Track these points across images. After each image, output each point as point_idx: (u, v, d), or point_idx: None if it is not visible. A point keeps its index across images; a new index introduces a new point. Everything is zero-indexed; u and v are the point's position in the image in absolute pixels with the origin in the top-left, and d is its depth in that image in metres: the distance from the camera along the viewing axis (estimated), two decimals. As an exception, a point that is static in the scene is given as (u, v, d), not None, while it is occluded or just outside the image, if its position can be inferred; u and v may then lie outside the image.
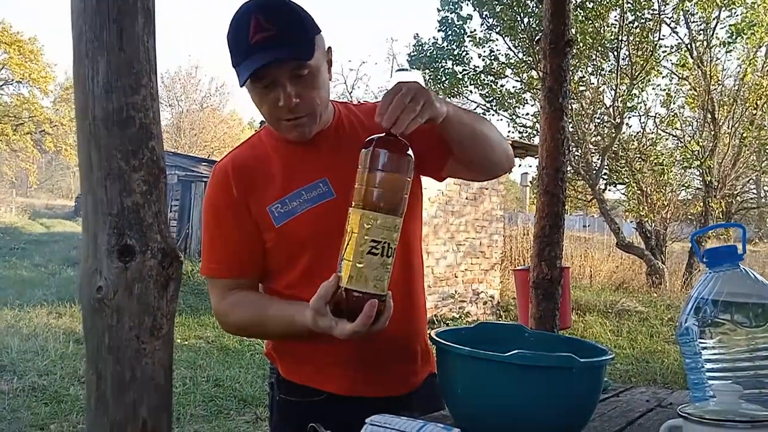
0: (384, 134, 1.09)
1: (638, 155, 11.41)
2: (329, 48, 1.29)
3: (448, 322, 7.49)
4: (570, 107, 11.75)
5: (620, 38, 10.75)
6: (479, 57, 13.49)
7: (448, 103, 1.20)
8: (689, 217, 11.73)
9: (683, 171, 11.64)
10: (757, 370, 1.00)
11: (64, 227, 20.53)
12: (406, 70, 12.56)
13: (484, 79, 13.45)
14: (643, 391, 1.67)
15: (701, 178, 11.06)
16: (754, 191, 16.69)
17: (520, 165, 20.13)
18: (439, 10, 13.76)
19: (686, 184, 11.88)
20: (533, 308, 2.14)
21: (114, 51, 0.87)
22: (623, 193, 12.49)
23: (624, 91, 10.74)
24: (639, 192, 11.00)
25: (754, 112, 10.88)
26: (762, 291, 1.04)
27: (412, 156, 1.07)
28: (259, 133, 1.37)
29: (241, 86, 1.20)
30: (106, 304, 0.87)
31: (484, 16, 13.16)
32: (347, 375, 1.27)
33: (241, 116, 35.53)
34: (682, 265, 11.14)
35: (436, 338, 1.15)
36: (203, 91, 30.76)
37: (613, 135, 10.88)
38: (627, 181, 11.38)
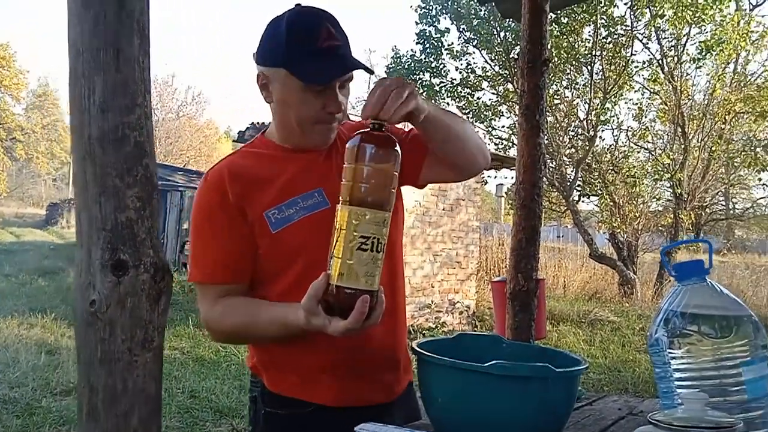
0: (370, 128, 1.09)
1: (611, 167, 11.62)
2: None
3: (424, 332, 7.53)
4: (546, 121, 11.95)
5: (594, 53, 10.98)
6: (456, 70, 13.67)
7: (428, 100, 1.24)
8: (660, 228, 11.97)
9: (654, 183, 11.87)
10: (722, 379, 1.05)
11: (34, 236, 20.18)
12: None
13: (460, 92, 13.61)
14: (615, 399, 1.72)
15: (672, 191, 11.29)
16: (723, 203, 17.06)
17: (495, 176, 20.28)
18: (417, 23, 13.92)
19: (657, 196, 12.14)
20: (510, 319, 2.19)
21: (110, 71, 0.90)
22: (596, 205, 12.70)
23: (597, 104, 10.95)
24: (612, 203, 11.20)
25: (723, 126, 11.16)
26: (726, 304, 1.10)
27: (399, 150, 1.08)
28: (254, 142, 1.39)
29: (307, 83, 1.23)
30: (99, 318, 0.89)
31: (461, 29, 13.35)
32: (334, 385, 1.29)
33: (217, 125, 35.40)
34: (653, 276, 11.35)
35: (418, 349, 1.19)
36: (179, 100, 30.59)
37: (587, 148, 11.07)
38: (600, 192, 11.58)
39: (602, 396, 1.77)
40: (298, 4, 1.28)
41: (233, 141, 11.65)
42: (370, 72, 1.30)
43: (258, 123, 8.88)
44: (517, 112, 11.71)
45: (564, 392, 1.16)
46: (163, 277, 0.94)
